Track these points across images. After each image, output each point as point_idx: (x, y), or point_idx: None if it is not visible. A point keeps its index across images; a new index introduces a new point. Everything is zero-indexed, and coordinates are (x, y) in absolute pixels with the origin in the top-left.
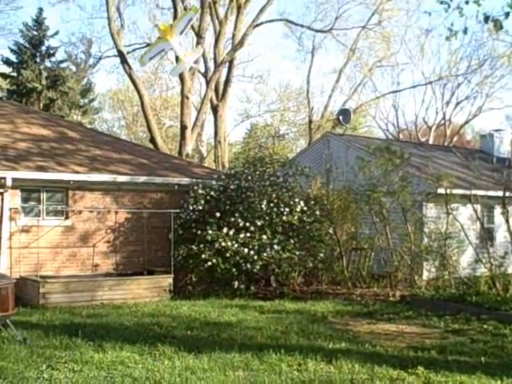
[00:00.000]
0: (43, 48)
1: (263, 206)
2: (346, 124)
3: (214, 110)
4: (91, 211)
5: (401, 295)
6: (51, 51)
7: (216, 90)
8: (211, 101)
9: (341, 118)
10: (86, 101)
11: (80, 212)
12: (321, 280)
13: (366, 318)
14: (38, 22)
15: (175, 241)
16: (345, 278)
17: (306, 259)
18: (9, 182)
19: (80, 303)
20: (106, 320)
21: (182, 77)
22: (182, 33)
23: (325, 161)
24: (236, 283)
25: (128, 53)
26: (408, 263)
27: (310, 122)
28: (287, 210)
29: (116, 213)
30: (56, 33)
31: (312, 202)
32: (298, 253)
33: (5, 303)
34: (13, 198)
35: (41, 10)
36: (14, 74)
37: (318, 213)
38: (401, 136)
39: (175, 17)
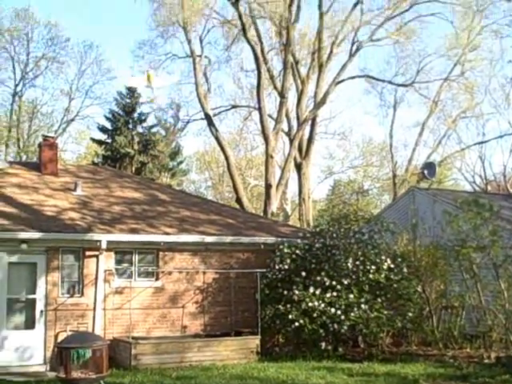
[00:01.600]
0: (135, 115)
1: (349, 264)
2: (431, 178)
3: (298, 167)
4: (180, 272)
5: (496, 357)
6: (143, 117)
7: (299, 148)
8: (295, 159)
9: (426, 171)
10: (175, 163)
11: (170, 273)
12: (410, 340)
13: (460, 381)
14: (131, 90)
15: (262, 301)
16: (436, 338)
17: (394, 319)
18: (104, 245)
19: (170, 364)
20: (194, 382)
21: (265, 136)
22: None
23: (410, 216)
24: (323, 344)
25: (214, 115)
26: (503, 322)
27: (394, 176)
28: (374, 267)
29: (204, 273)
30: (147, 99)
31: (399, 259)
32: (385, 312)
33: (99, 365)
34: (107, 260)
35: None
36: (109, 141)
37: (405, 270)
38: (489, 188)
39: (259, 78)
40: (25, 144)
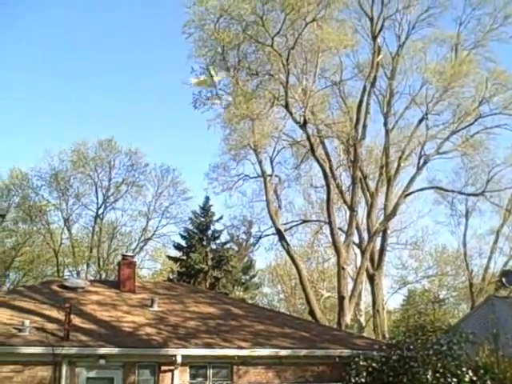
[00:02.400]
0: (209, 232)
1: (428, 377)
2: (510, 285)
3: (371, 278)
4: None
5: None
6: (216, 234)
7: (371, 259)
8: (367, 270)
9: (504, 279)
10: (248, 277)
11: None
12: None
13: None
14: (205, 209)
15: None
16: None
17: None
18: (179, 359)
19: None
20: None
21: (337, 249)
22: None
23: (491, 325)
24: None
25: (285, 230)
26: None
27: (471, 285)
28: (454, 380)
29: None
30: (220, 218)
31: (481, 371)
32: None
33: None
34: (182, 375)
35: (207, 198)
36: (184, 257)
37: (489, 383)
38: None
39: (328, 193)
40: (105, 262)
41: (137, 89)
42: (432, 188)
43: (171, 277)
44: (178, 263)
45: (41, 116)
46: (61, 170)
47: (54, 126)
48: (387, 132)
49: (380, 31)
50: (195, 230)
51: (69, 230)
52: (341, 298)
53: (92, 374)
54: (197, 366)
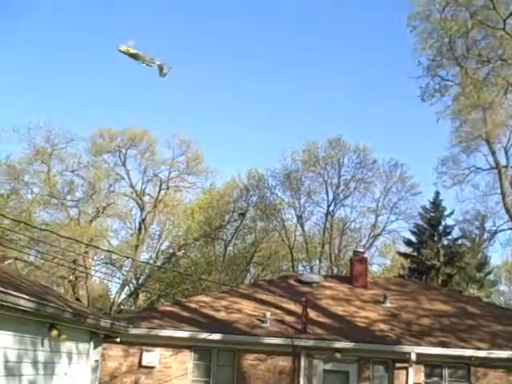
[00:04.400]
0: (440, 227)
1: None
2: None
3: None
4: None
5: None
6: (448, 230)
7: None
8: None
9: None
10: (482, 274)
11: None
12: None
13: None
14: (435, 204)
15: None
16: None
17: None
18: (413, 357)
19: None
20: None
21: None
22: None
23: None
24: None
25: None
26: None
27: None
28: None
29: None
30: (452, 212)
31: None
32: None
33: None
34: (416, 373)
35: (437, 193)
36: (415, 254)
37: None
38: None
39: None
40: (336, 258)
41: (360, 84)
42: None
43: (402, 273)
44: (409, 259)
45: (275, 119)
46: (293, 169)
47: (287, 127)
48: None
49: None
50: (425, 226)
51: (302, 227)
52: None
53: (328, 366)
54: (431, 365)
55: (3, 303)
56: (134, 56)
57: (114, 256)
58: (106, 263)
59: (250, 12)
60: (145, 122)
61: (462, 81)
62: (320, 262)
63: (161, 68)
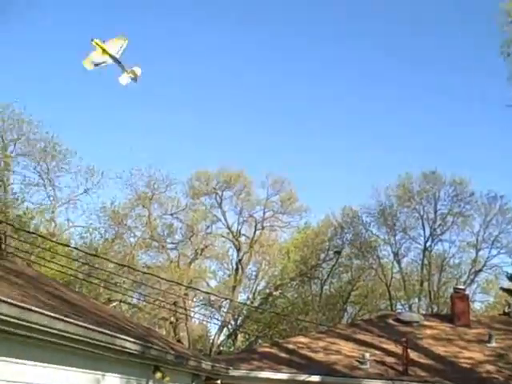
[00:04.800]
0: None
1: None
2: None
3: None
4: None
5: None
6: None
7: None
8: None
9: None
10: None
11: None
12: None
13: None
14: None
15: None
16: None
17: None
18: None
19: None
20: None
21: None
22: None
23: None
24: None
25: None
26: None
27: None
28: None
29: None
30: None
31: None
32: None
33: None
34: None
35: None
36: None
37: None
38: None
39: None
40: (435, 296)
41: (452, 115)
42: None
43: (506, 310)
44: None
45: (364, 152)
46: (388, 205)
47: (381, 161)
48: None
49: None
50: None
51: (399, 264)
52: None
53: None
54: None
55: (111, 346)
56: (104, 51)
57: (212, 297)
58: (205, 304)
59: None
60: (240, 162)
61: None
62: (419, 300)
63: (133, 73)
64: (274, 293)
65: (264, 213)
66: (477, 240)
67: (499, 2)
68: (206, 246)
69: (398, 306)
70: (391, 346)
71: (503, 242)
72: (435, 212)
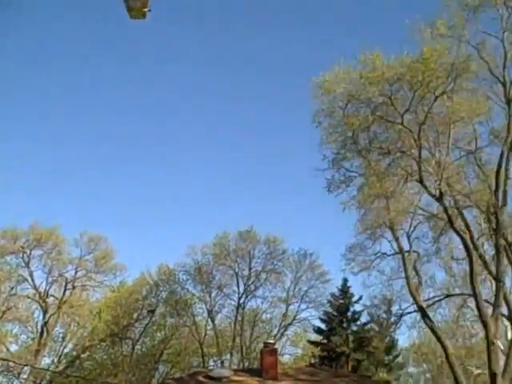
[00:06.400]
0: (349, 314)
1: None
2: None
3: None
4: None
5: None
6: (356, 316)
7: None
8: None
9: None
10: (391, 357)
11: None
12: None
13: None
14: (344, 291)
15: None
16: None
17: None
18: None
19: None
20: None
21: (484, 323)
22: None
23: None
24: None
25: (428, 306)
26: None
27: None
28: None
29: None
30: (360, 298)
31: None
32: None
33: None
34: None
35: (345, 280)
36: (325, 341)
37: None
38: None
39: (471, 265)
40: (247, 350)
41: (267, 177)
42: None
43: (313, 361)
44: (319, 347)
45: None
46: (204, 263)
47: (197, 219)
48: None
49: None
50: (335, 313)
51: (212, 321)
52: (493, 375)
53: None
54: None
55: None
56: None
57: (11, 363)
58: (2, 371)
59: None
60: (53, 219)
61: (365, 172)
62: (231, 355)
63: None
64: (82, 355)
65: (76, 272)
66: (287, 295)
67: (311, 76)
68: (9, 308)
69: (211, 363)
70: None
71: (312, 296)
72: (250, 269)
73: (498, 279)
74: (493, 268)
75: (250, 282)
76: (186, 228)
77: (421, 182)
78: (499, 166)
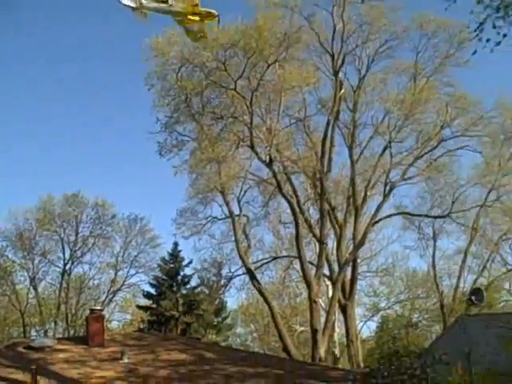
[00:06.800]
0: (179, 278)
1: None
2: (480, 303)
3: (343, 309)
4: None
5: None
6: (186, 279)
7: (343, 290)
8: (339, 301)
9: (473, 297)
10: (220, 319)
11: None
12: None
13: None
14: (174, 255)
15: None
16: None
17: None
18: None
19: None
20: None
21: (308, 283)
22: None
23: (463, 344)
24: None
25: (256, 269)
26: None
27: (442, 306)
28: None
29: None
30: (190, 262)
31: None
32: None
33: None
34: None
35: (176, 244)
36: (154, 306)
37: None
38: None
39: (297, 229)
40: (73, 318)
41: (100, 138)
42: (399, 214)
43: (142, 326)
44: (148, 312)
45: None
46: (26, 228)
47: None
48: (353, 163)
49: (341, 67)
50: (164, 277)
51: (35, 289)
52: (314, 332)
53: None
54: None
55: None
56: None
57: None
58: None
59: None
60: None
61: (198, 136)
62: (55, 324)
63: None
64: None
65: None
66: (117, 261)
67: (144, 38)
68: None
69: (33, 333)
70: (20, 376)
71: (142, 261)
72: (76, 234)
73: (322, 241)
74: (317, 231)
75: (76, 248)
76: (5, 189)
77: (252, 147)
78: (325, 134)
